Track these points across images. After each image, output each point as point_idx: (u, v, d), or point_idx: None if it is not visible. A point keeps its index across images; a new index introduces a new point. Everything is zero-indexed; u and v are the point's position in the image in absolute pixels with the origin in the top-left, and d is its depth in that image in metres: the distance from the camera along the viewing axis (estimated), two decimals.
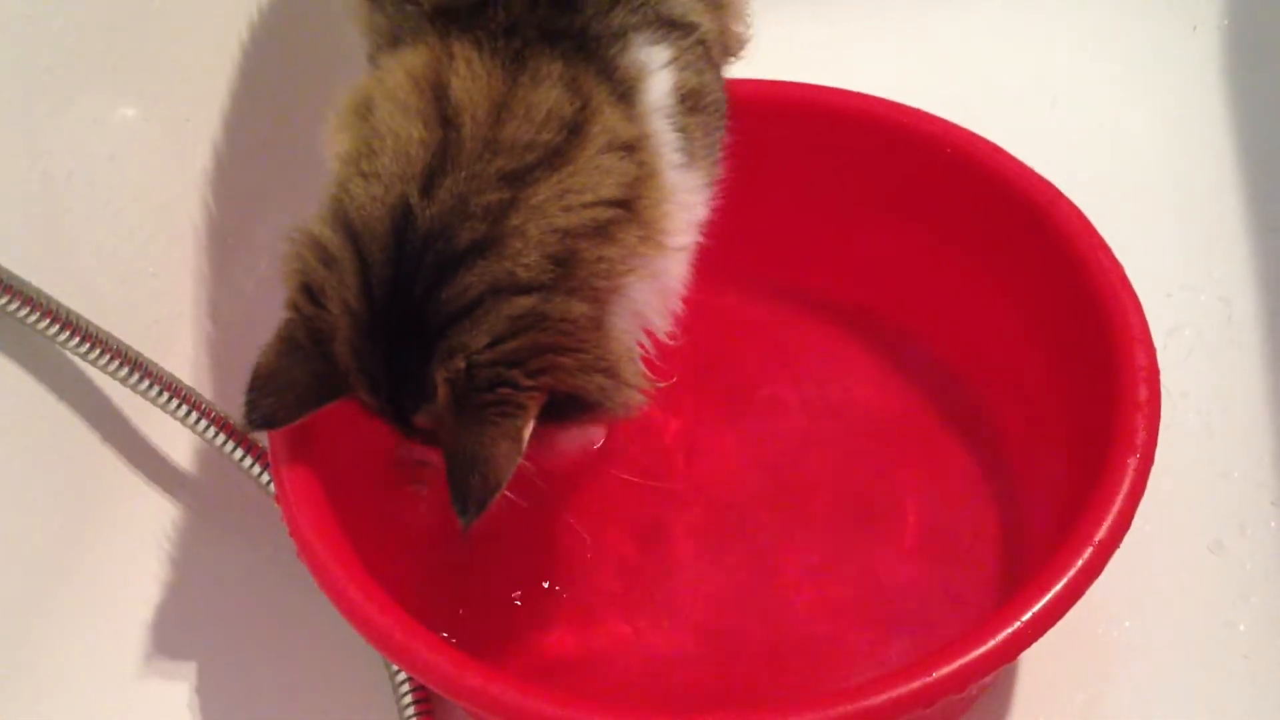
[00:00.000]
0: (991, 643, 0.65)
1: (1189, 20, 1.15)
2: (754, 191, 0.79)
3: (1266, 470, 0.90)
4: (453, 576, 0.87)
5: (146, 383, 0.83)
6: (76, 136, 0.85)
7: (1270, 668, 0.82)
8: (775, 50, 0.83)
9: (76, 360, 0.83)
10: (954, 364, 0.94)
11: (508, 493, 0.64)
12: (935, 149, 0.88)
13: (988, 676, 0.68)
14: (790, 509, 0.90)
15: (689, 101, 0.71)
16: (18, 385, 0.82)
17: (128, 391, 0.84)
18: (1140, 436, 0.72)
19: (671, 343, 0.71)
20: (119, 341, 0.83)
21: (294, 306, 0.67)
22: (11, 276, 0.77)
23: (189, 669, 0.85)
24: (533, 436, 0.65)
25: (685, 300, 0.73)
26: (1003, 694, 0.81)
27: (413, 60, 0.68)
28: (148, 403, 0.84)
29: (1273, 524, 0.87)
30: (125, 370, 0.82)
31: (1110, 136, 1.09)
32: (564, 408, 0.66)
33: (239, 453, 0.85)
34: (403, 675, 0.81)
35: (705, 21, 0.74)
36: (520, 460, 0.64)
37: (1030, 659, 0.72)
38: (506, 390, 0.63)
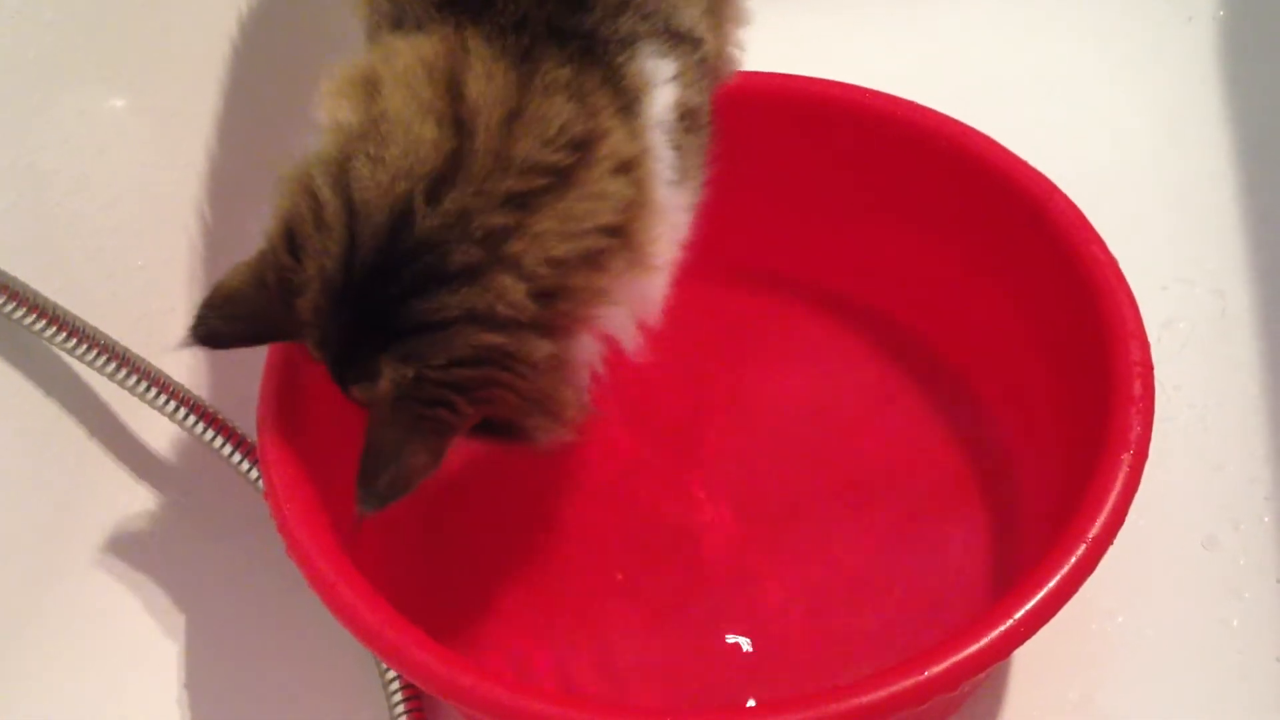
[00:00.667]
0: (984, 640, 0.64)
1: (1184, 11, 1.14)
2: (746, 184, 0.78)
3: (1260, 464, 0.89)
4: (444, 574, 0.87)
5: (134, 378, 0.83)
6: (64, 129, 0.84)
7: (1263, 663, 0.81)
8: (770, 42, 0.83)
9: (64, 355, 0.82)
10: (947, 357, 0.94)
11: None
12: (930, 142, 0.87)
13: (980, 674, 0.68)
14: (778, 503, 0.89)
15: (687, 120, 0.71)
16: (3, 381, 0.81)
17: (115, 387, 0.83)
18: (1135, 432, 0.71)
19: (637, 359, 0.71)
20: (106, 336, 0.82)
21: (272, 249, 0.67)
22: None
23: (176, 665, 0.85)
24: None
25: (676, 293, 0.73)
26: (995, 689, 0.81)
27: (425, 48, 0.67)
28: (135, 398, 0.84)
29: (1266, 519, 0.87)
30: (113, 365, 0.82)
31: (1105, 129, 1.08)
32: (494, 427, 0.67)
33: (228, 448, 0.85)
34: (393, 674, 0.80)
35: (710, 39, 0.74)
36: (434, 472, 0.64)
37: (1023, 655, 0.72)
38: (444, 411, 0.64)
